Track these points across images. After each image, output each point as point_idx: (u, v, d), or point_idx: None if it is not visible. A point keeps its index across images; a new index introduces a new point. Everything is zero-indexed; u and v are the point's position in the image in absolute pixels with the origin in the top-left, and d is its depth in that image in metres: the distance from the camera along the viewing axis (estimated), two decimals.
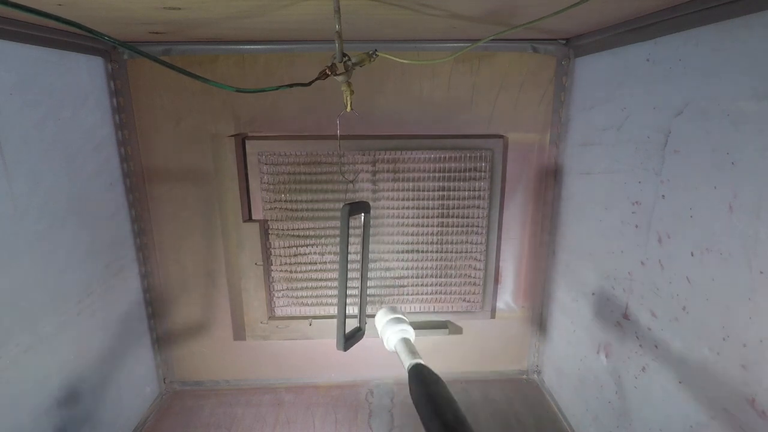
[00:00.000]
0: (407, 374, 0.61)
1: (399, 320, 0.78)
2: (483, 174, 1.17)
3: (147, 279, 1.22)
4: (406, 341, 0.72)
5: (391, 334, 0.74)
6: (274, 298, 1.25)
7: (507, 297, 1.31)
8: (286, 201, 1.17)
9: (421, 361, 0.62)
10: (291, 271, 1.22)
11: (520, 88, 1.13)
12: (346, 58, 0.63)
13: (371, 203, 1.04)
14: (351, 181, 1.15)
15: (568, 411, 1.19)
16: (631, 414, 0.91)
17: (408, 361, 0.64)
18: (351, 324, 0.79)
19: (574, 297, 1.12)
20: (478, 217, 1.20)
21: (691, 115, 0.71)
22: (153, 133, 1.12)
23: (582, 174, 1.08)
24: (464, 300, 1.27)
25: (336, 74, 0.63)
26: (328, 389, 1.33)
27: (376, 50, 0.68)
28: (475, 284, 1.26)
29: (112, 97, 1.07)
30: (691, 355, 0.73)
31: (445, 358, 1.35)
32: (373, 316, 1.02)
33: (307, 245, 1.20)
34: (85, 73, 0.99)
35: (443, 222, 1.20)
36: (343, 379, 1.36)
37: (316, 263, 1.22)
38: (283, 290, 1.24)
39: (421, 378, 0.57)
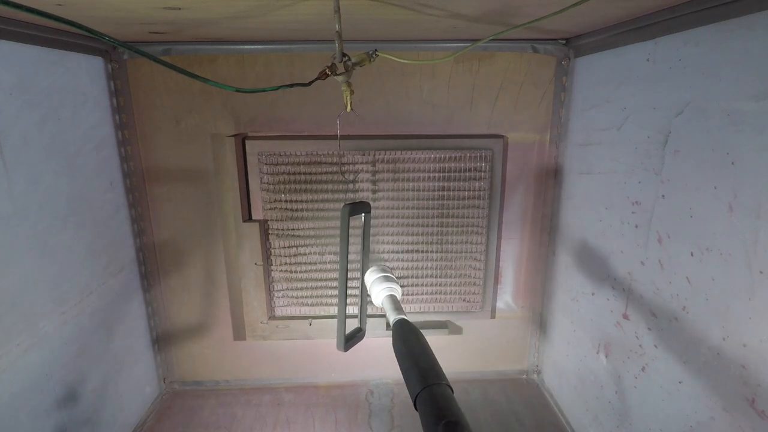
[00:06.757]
0: (391, 328, 0.67)
1: (387, 278, 0.82)
2: (483, 174, 1.17)
3: (147, 279, 1.22)
4: (392, 298, 0.77)
5: (379, 290, 0.79)
6: (274, 298, 1.25)
7: (507, 297, 1.31)
8: (286, 201, 1.17)
9: (404, 317, 0.68)
10: (291, 271, 1.22)
11: (520, 88, 1.13)
12: (346, 58, 0.63)
13: (371, 203, 1.04)
14: (351, 181, 1.15)
15: (568, 411, 1.19)
16: (631, 414, 0.91)
17: (392, 317, 0.69)
18: (352, 324, 0.79)
19: (574, 297, 1.12)
20: (478, 217, 1.20)
21: (691, 115, 0.71)
22: (153, 133, 1.12)
23: (582, 174, 1.07)
24: (464, 300, 1.27)
25: (336, 74, 0.63)
26: (328, 389, 1.33)
27: (376, 50, 0.68)
28: (475, 284, 1.26)
29: (112, 97, 1.07)
30: (691, 355, 0.73)
31: (445, 358, 1.33)
32: (373, 316, 1.02)
33: (307, 245, 1.20)
34: (85, 73, 0.98)
35: (443, 222, 1.20)
36: (343, 379, 1.36)
37: (316, 263, 1.22)
38: (283, 290, 1.24)
39: (403, 332, 0.63)
